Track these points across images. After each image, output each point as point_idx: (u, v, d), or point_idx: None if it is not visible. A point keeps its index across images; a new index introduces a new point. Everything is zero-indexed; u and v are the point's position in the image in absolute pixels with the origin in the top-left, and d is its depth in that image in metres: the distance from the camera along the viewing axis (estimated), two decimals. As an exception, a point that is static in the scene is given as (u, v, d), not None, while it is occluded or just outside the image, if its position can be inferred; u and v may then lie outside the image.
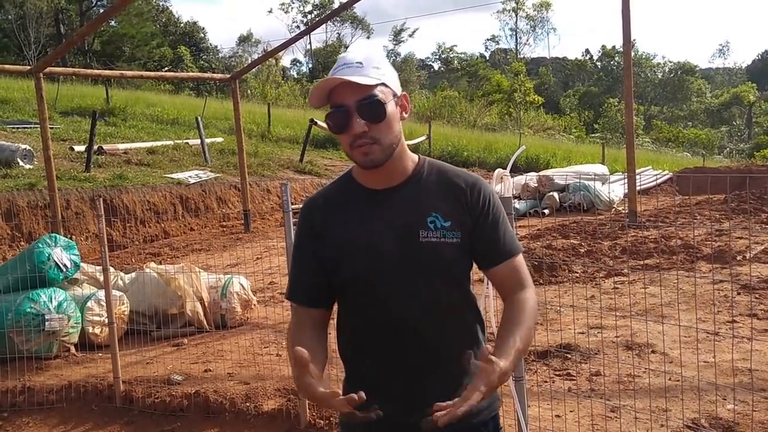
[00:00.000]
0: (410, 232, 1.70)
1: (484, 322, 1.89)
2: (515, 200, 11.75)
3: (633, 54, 10.07)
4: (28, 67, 9.73)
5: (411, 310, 1.70)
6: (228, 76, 12.39)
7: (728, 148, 45.05)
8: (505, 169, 3.01)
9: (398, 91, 1.72)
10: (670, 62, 63.89)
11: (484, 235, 1.75)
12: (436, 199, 1.73)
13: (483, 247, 1.76)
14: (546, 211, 11.82)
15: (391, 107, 1.68)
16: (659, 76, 62.49)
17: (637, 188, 10.35)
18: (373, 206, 1.74)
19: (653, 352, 4.58)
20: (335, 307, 1.84)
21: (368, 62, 1.66)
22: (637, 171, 11.24)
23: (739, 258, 6.93)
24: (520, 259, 1.79)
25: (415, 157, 1.79)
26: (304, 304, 1.79)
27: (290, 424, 3.98)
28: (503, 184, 3.07)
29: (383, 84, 1.66)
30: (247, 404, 4.19)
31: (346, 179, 1.83)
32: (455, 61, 72.58)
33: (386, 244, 1.70)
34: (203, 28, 52.22)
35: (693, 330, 4.62)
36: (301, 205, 1.92)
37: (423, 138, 22.52)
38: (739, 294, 5.76)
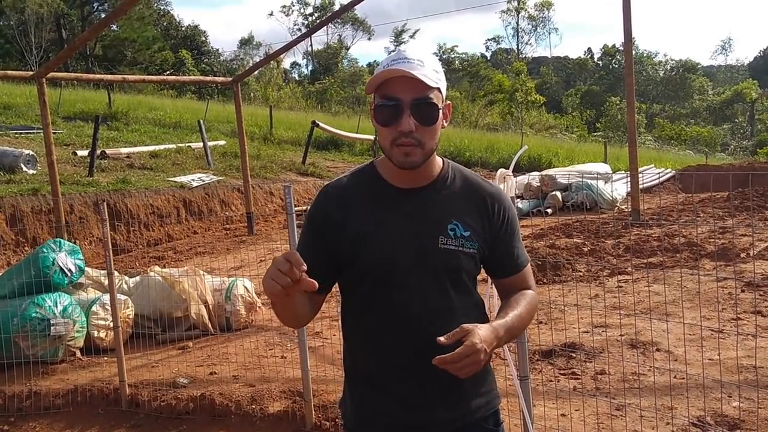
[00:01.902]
0: (430, 236, 1.70)
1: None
2: (518, 200, 11.76)
3: (634, 52, 10.08)
4: (31, 73, 9.77)
5: (421, 311, 1.70)
6: (230, 79, 12.41)
7: (731, 146, 44.98)
8: (508, 168, 3.02)
9: (444, 99, 1.71)
10: (672, 60, 63.91)
11: (503, 248, 1.79)
12: (458, 207, 1.74)
13: (500, 259, 1.80)
14: (549, 211, 11.82)
15: (440, 114, 1.67)
16: (661, 74, 62.44)
17: (640, 186, 10.35)
18: (397, 203, 1.73)
19: (658, 350, 4.58)
20: (335, 311, 1.81)
21: (429, 63, 1.64)
22: (640, 169, 11.23)
23: (742, 255, 6.93)
24: (529, 268, 1.87)
25: (440, 160, 1.79)
26: None
27: (296, 426, 3.99)
28: (506, 184, 3.08)
29: (438, 89, 1.65)
30: (253, 406, 4.19)
31: (369, 172, 1.80)
32: (456, 62, 72.59)
33: (405, 242, 1.69)
34: (204, 32, 52.34)
35: (697, 328, 4.61)
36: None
37: (425, 139, 22.52)
38: (743, 291, 5.76)
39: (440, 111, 1.66)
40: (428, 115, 1.63)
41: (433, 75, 1.63)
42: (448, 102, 1.73)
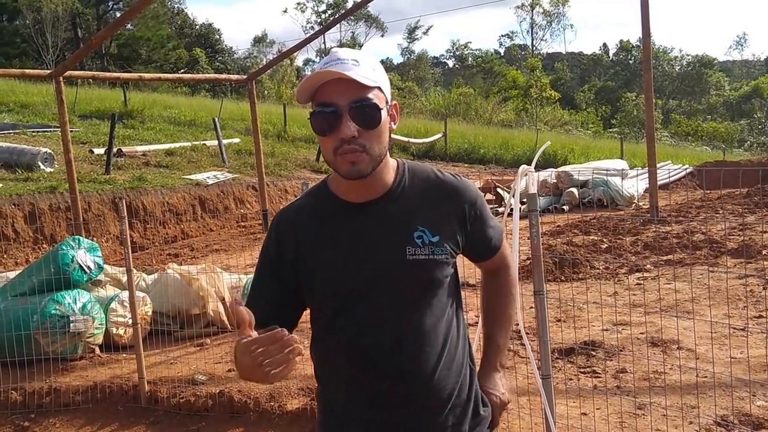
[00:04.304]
0: (395, 249, 1.57)
1: (471, 343, 1.79)
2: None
3: (651, 47, 9.97)
4: (48, 72, 9.82)
5: (393, 333, 1.58)
6: (244, 77, 12.43)
7: (748, 142, 44.46)
8: (529, 164, 2.98)
9: (390, 99, 1.58)
10: (688, 55, 63.22)
11: (477, 236, 1.71)
12: (422, 211, 1.61)
13: (476, 245, 1.73)
14: (566, 208, 11.74)
15: (384, 115, 1.53)
16: (677, 70, 61.82)
17: (659, 183, 10.25)
18: (354, 222, 1.59)
19: (679, 348, 4.52)
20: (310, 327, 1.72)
21: (365, 62, 1.51)
22: (657, 165, 11.13)
23: (764, 252, 6.83)
24: (505, 245, 1.84)
25: (394, 163, 1.65)
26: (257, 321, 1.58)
27: (314, 423, 3.97)
28: (528, 180, 3.05)
29: (379, 88, 1.52)
30: (272, 404, 4.19)
31: (322, 190, 1.66)
32: (470, 58, 72.37)
33: (369, 263, 1.57)
34: (218, 30, 52.54)
35: (719, 326, 4.56)
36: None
37: (439, 136, 22.51)
38: (765, 289, 5.68)
39: (383, 111, 1.52)
40: (370, 117, 1.49)
41: (371, 74, 1.50)
42: (394, 102, 1.60)
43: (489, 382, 1.76)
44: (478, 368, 1.79)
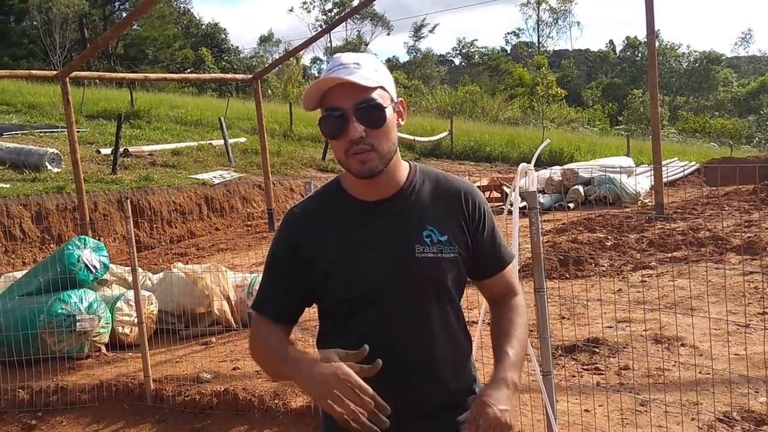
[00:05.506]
0: (405, 247, 1.61)
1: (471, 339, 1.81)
2: (539, 194, 11.67)
3: (657, 44, 9.93)
4: (55, 72, 9.88)
5: (403, 331, 1.62)
6: (250, 76, 12.46)
7: (756, 138, 44.20)
8: (530, 163, 3.00)
9: (395, 96, 1.63)
10: (695, 51, 62.90)
11: (482, 247, 1.71)
12: (431, 211, 1.65)
13: (480, 258, 1.72)
14: (571, 205, 11.73)
15: (390, 112, 1.59)
16: (684, 66, 61.52)
17: (664, 180, 10.23)
18: (365, 220, 1.64)
19: (682, 345, 4.53)
20: (315, 326, 1.74)
21: (366, 64, 1.57)
22: (663, 162, 11.10)
23: (769, 249, 6.81)
24: (512, 266, 1.79)
25: (406, 164, 1.70)
26: (270, 318, 1.69)
27: (318, 421, 3.99)
28: (527, 179, 3.06)
29: (382, 87, 1.58)
30: (276, 401, 4.22)
31: (334, 189, 1.71)
32: (476, 56, 72.28)
33: (380, 260, 1.60)
34: (224, 30, 52.62)
35: (723, 322, 4.55)
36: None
37: (445, 134, 22.50)
38: (769, 285, 5.66)
39: (388, 110, 1.58)
40: (375, 117, 1.55)
41: (373, 75, 1.56)
42: (400, 99, 1.65)
43: (493, 392, 1.57)
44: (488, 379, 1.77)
